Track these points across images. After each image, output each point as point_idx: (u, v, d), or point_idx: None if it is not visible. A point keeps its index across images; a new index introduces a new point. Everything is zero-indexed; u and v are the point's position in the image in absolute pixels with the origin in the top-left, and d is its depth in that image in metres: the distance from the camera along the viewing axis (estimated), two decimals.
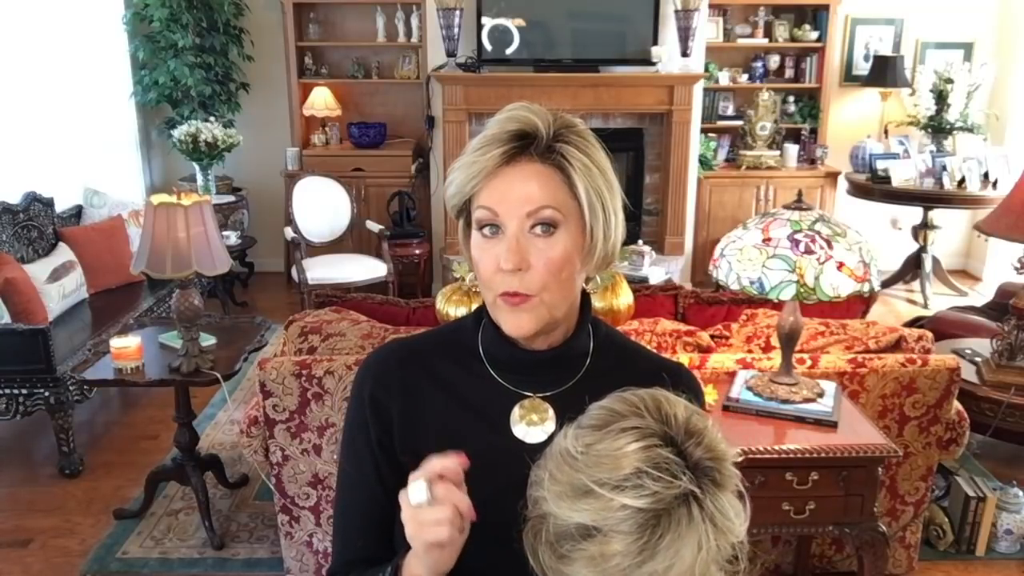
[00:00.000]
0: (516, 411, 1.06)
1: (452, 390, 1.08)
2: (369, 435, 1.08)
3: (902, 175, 5.37)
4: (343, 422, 1.14)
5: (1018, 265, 3.20)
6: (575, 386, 1.07)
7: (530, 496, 0.90)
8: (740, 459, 0.90)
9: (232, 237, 5.19)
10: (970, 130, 5.53)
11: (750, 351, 2.71)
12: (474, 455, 0.93)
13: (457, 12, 5.10)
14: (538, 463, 0.91)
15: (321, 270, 4.90)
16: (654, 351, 1.20)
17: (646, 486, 0.81)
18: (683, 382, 1.11)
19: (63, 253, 4.28)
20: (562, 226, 0.98)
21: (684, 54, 5.28)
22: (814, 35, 5.87)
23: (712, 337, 2.76)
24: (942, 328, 3.66)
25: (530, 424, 1.06)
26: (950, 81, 5.45)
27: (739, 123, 5.89)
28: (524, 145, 0.97)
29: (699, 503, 0.82)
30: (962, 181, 5.27)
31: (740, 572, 0.87)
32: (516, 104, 1.01)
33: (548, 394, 1.07)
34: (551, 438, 1.04)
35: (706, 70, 5.61)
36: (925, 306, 5.45)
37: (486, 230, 0.99)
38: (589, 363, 1.09)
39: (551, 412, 1.06)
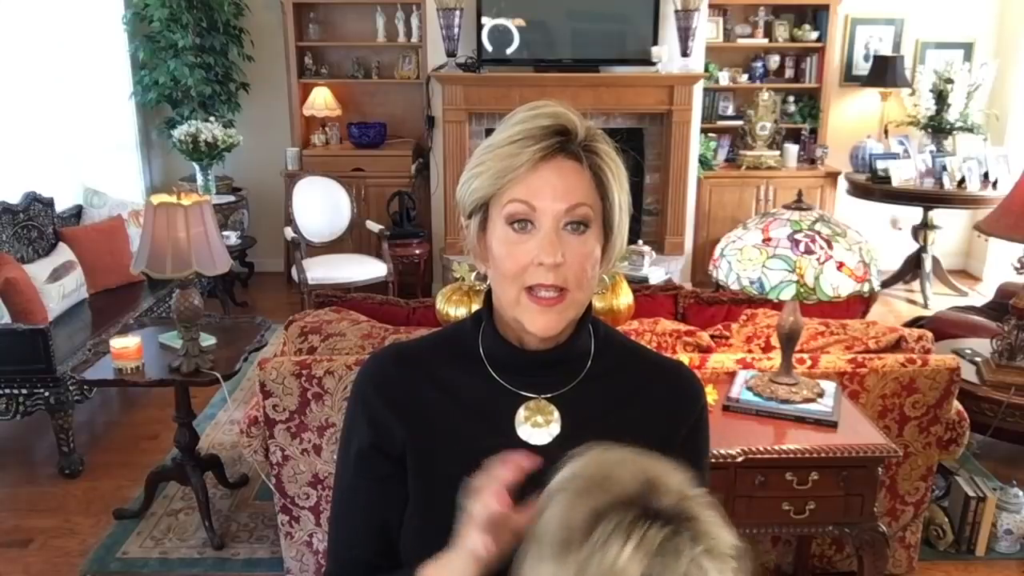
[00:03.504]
0: (522, 412, 1.05)
1: (453, 392, 1.06)
2: (364, 440, 1.06)
3: (902, 175, 5.37)
4: (342, 424, 1.13)
5: (1018, 265, 3.20)
6: (578, 387, 1.06)
7: None
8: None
9: (232, 237, 5.18)
10: (970, 130, 5.52)
11: (750, 351, 2.71)
12: (478, 457, 0.93)
13: (457, 12, 5.10)
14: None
15: (321, 270, 4.90)
16: (653, 350, 1.20)
17: None
18: (683, 381, 1.10)
19: (63, 253, 4.27)
20: (592, 225, 0.99)
21: (684, 54, 5.28)
22: (814, 35, 5.86)
23: (712, 337, 2.76)
24: (942, 328, 3.66)
25: (535, 426, 1.05)
26: (950, 81, 5.44)
27: (739, 123, 5.89)
28: (562, 142, 0.98)
29: (699, 547, 0.76)
30: (962, 181, 5.27)
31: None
32: (541, 102, 1.00)
33: (551, 395, 1.05)
34: (556, 440, 1.03)
35: (706, 70, 5.61)
36: (925, 306, 5.45)
37: (516, 225, 0.99)
38: (591, 364, 1.08)
39: (556, 414, 1.05)
